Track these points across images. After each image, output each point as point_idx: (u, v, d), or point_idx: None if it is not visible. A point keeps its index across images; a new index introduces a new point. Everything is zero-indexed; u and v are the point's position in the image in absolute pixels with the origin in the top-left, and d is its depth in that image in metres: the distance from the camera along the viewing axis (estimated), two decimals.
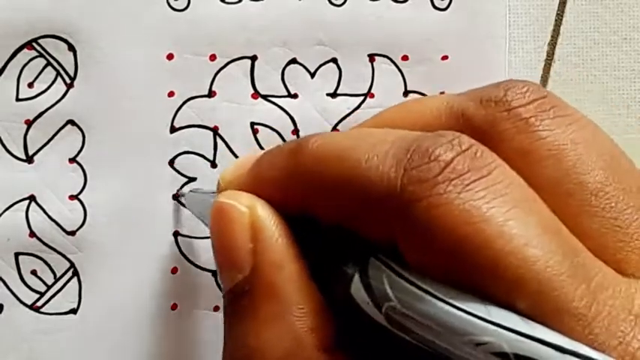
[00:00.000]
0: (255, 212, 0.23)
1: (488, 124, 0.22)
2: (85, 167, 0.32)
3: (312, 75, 0.33)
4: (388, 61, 0.33)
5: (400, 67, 0.33)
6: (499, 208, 0.19)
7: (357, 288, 0.20)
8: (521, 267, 0.18)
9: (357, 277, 0.20)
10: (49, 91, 0.32)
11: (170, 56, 0.32)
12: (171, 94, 0.32)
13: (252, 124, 0.33)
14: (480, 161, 0.20)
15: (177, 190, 0.32)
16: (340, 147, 0.21)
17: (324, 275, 0.22)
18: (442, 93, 0.32)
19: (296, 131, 0.33)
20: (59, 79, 0.32)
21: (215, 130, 0.33)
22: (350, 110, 0.33)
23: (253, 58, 0.32)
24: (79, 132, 0.32)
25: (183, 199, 0.32)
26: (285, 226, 0.23)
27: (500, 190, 0.19)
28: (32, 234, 0.32)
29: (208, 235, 0.32)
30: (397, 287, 0.19)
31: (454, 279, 0.19)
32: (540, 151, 0.21)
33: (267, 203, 0.23)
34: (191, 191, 0.31)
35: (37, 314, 0.32)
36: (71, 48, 0.32)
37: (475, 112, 0.22)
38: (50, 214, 0.32)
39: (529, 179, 0.20)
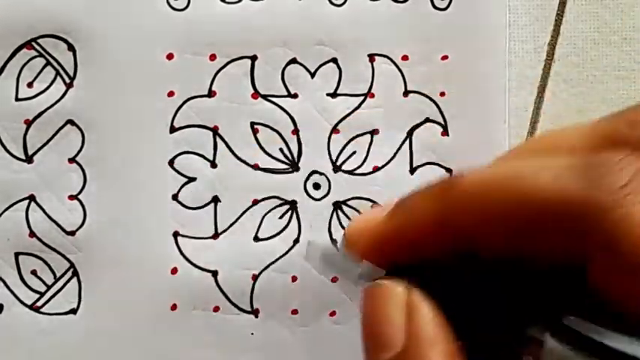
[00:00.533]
0: (411, 292, 0.22)
1: None
2: (84, 167, 0.32)
3: (312, 75, 0.33)
4: (388, 61, 0.33)
5: (400, 67, 0.33)
6: None
7: (552, 353, 0.19)
8: None
9: (550, 342, 0.19)
10: (48, 90, 0.32)
11: (170, 56, 0.32)
12: (171, 93, 0.32)
13: (252, 123, 0.33)
14: None
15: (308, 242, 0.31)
16: (502, 174, 0.21)
17: (486, 343, 0.21)
18: (442, 93, 0.32)
19: (296, 131, 0.33)
20: (59, 78, 0.32)
21: (215, 130, 0.32)
22: (350, 110, 0.33)
23: (253, 58, 0.32)
24: (79, 132, 0.32)
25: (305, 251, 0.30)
26: (438, 308, 0.22)
27: None
28: (32, 234, 0.32)
29: (208, 235, 0.32)
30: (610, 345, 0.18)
31: None
32: None
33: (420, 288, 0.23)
34: (311, 243, 0.30)
35: (37, 314, 0.32)
36: (71, 48, 0.32)
37: (629, 134, 0.22)
38: (50, 214, 0.32)
39: None
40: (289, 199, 0.33)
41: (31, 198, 0.32)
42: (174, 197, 0.32)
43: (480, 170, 0.22)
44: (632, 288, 0.18)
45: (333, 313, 0.33)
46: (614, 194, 0.19)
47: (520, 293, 0.21)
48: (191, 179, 0.33)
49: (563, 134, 0.23)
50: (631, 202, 0.18)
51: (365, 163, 0.33)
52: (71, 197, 0.32)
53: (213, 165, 0.33)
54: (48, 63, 0.32)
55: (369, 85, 0.33)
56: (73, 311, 0.32)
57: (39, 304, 0.32)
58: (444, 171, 0.33)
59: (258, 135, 0.33)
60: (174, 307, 0.32)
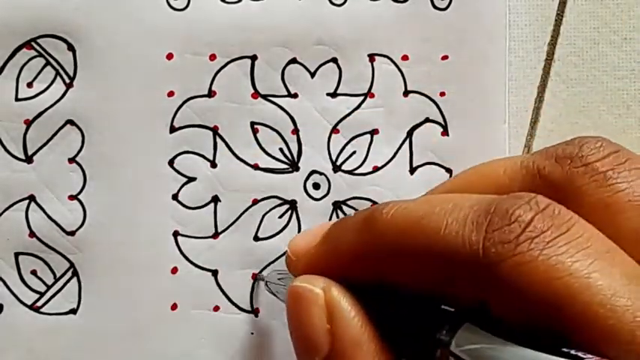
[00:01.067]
0: (329, 293, 0.23)
1: (566, 180, 0.23)
2: (84, 167, 0.32)
3: (312, 75, 0.33)
4: (388, 61, 0.33)
5: (400, 67, 0.33)
6: (582, 262, 0.19)
7: (455, 353, 0.21)
8: (611, 317, 0.19)
9: (453, 343, 0.21)
10: (48, 90, 0.32)
11: (170, 56, 0.32)
12: (171, 93, 0.32)
13: (252, 123, 0.33)
14: (558, 219, 0.20)
15: (257, 273, 0.32)
16: (416, 215, 0.22)
17: (406, 347, 0.22)
18: (442, 93, 0.32)
19: (296, 131, 0.33)
20: (58, 78, 0.32)
21: (215, 130, 0.32)
22: (350, 110, 0.33)
23: (253, 58, 0.32)
24: (79, 132, 0.32)
25: (263, 283, 0.32)
26: (360, 305, 0.23)
27: (582, 243, 0.20)
28: (32, 234, 0.32)
29: (208, 235, 0.32)
30: (498, 349, 0.20)
31: (544, 331, 0.19)
32: (621, 203, 0.22)
33: (341, 285, 0.23)
34: (272, 272, 0.31)
35: (36, 314, 0.32)
36: (70, 47, 0.32)
37: (552, 170, 0.23)
38: (50, 214, 0.32)
39: (611, 231, 0.21)
40: (289, 198, 0.33)
41: (31, 198, 0.32)
42: (174, 197, 0.32)
43: (404, 204, 0.23)
44: (523, 319, 0.20)
45: None
46: (505, 244, 0.20)
47: (433, 306, 0.22)
48: (191, 179, 0.33)
49: (495, 167, 0.25)
50: (520, 251, 0.20)
51: (365, 163, 0.33)
52: (71, 197, 0.32)
53: (213, 165, 0.33)
54: (48, 63, 0.32)
55: (369, 85, 0.33)
56: (73, 311, 0.32)
57: (39, 304, 0.32)
58: (444, 171, 0.33)
59: (258, 135, 0.33)
60: (174, 307, 0.32)
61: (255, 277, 0.32)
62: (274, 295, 0.30)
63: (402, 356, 0.23)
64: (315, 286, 0.24)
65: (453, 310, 0.22)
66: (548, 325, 0.19)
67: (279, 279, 0.30)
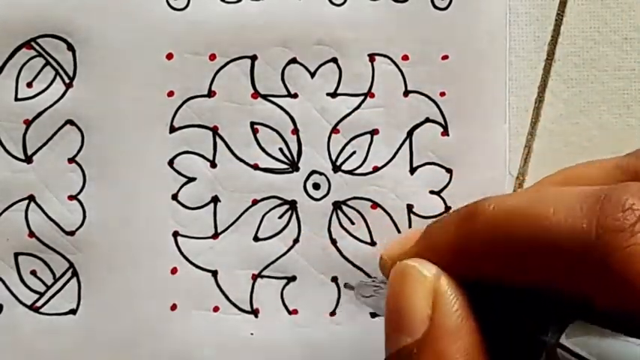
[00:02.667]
0: (438, 280, 0.23)
1: None
2: (84, 167, 0.32)
3: (312, 75, 0.33)
4: (388, 61, 0.32)
5: (400, 67, 0.33)
6: None
7: (563, 356, 0.20)
8: None
9: (564, 337, 0.20)
10: (48, 90, 0.32)
11: (170, 56, 0.32)
12: (170, 93, 0.32)
13: (252, 123, 0.33)
14: None
15: (346, 283, 0.32)
16: (520, 206, 0.21)
17: (507, 347, 0.22)
18: (442, 93, 0.32)
19: (296, 131, 0.33)
20: (58, 78, 0.32)
21: (215, 130, 0.32)
22: (350, 110, 0.33)
23: (253, 58, 0.32)
24: (78, 132, 0.32)
25: (354, 291, 0.31)
26: (465, 299, 0.23)
27: None
28: (31, 234, 0.32)
29: (208, 235, 0.32)
30: (614, 342, 0.19)
31: None
32: None
33: (451, 277, 0.23)
34: (361, 282, 0.31)
35: (36, 314, 0.32)
36: (70, 47, 0.32)
37: None
38: (49, 214, 0.32)
39: None
40: (289, 199, 0.33)
41: (31, 198, 0.32)
42: (174, 197, 0.32)
43: (505, 197, 0.22)
44: (632, 313, 0.19)
45: (333, 313, 0.33)
46: (619, 232, 0.19)
47: (535, 303, 0.21)
48: (191, 179, 0.33)
49: (587, 168, 0.24)
50: (635, 242, 0.19)
51: (365, 163, 0.33)
52: (71, 197, 0.32)
53: (213, 165, 0.33)
54: (47, 63, 0.32)
55: (369, 85, 0.33)
56: (73, 311, 0.32)
57: (38, 304, 0.32)
58: (444, 171, 0.32)
59: (258, 135, 0.33)
60: (174, 307, 0.32)
61: (345, 285, 0.32)
62: (365, 303, 0.30)
63: (502, 356, 0.22)
64: (426, 270, 0.23)
65: (556, 308, 0.21)
66: None
67: (372, 287, 0.29)
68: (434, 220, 0.25)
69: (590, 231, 0.19)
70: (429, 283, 0.23)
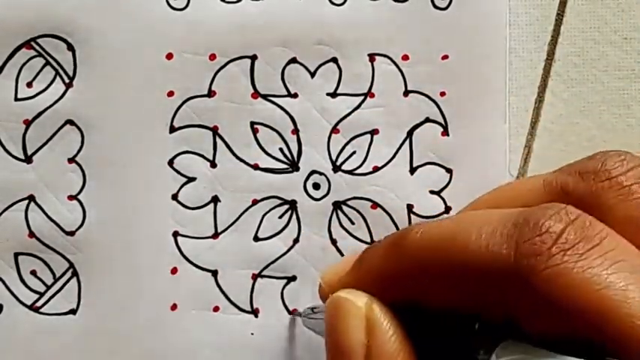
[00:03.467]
0: (371, 308, 0.23)
1: (590, 195, 0.22)
2: (84, 167, 0.32)
3: (312, 75, 0.33)
4: (388, 61, 0.32)
5: (400, 67, 0.33)
6: (618, 274, 0.19)
7: None
8: None
9: (494, 356, 0.21)
10: (47, 90, 0.32)
11: (169, 56, 0.32)
12: (170, 93, 0.32)
13: (252, 123, 0.33)
14: (590, 230, 0.20)
15: (293, 311, 0.32)
16: (445, 232, 0.22)
17: None
18: (442, 93, 0.32)
19: (296, 131, 0.33)
20: (58, 78, 0.32)
21: (215, 130, 0.32)
22: (350, 110, 0.33)
23: (253, 58, 0.32)
24: (78, 132, 0.32)
25: (302, 319, 0.32)
26: (399, 325, 0.23)
27: (615, 256, 0.20)
28: (31, 234, 0.32)
29: (208, 235, 0.32)
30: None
31: (579, 343, 0.19)
32: None
33: (382, 303, 0.23)
34: (306, 310, 0.31)
35: (36, 314, 0.32)
36: (70, 47, 0.32)
37: (576, 186, 0.23)
38: (49, 214, 0.32)
39: (638, 244, 0.21)
40: (289, 198, 0.33)
41: (31, 198, 0.32)
42: (174, 197, 0.32)
43: (432, 223, 0.23)
44: (555, 332, 0.20)
45: None
46: (537, 256, 0.20)
47: (468, 324, 0.22)
48: (191, 179, 0.33)
49: (518, 187, 0.25)
50: (553, 263, 0.19)
51: (365, 163, 0.33)
52: (71, 197, 0.32)
53: (213, 165, 0.33)
54: (47, 63, 0.32)
55: (369, 85, 0.33)
56: (73, 311, 0.32)
57: (38, 304, 0.32)
58: (444, 171, 0.32)
59: (258, 135, 0.33)
60: (174, 307, 0.32)
61: (292, 314, 0.32)
62: (311, 329, 0.30)
63: None
64: (358, 299, 0.24)
65: (488, 327, 0.22)
66: (584, 337, 0.19)
67: (314, 312, 0.30)
68: (369, 245, 0.25)
69: (509, 256, 0.20)
70: (361, 313, 0.23)
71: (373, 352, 0.23)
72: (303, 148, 0.33)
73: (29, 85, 0.32)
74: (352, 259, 0.26)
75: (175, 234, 0.32)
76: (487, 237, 0.21)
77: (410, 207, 0.32)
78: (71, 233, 0.32)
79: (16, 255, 0.32)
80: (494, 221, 0.21)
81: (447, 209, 0.32)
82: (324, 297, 0.27)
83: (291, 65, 0.32)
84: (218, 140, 0.32)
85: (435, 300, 0.22)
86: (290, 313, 0.32)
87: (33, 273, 0.32)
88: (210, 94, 0.32)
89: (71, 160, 0.32)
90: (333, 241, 0.33)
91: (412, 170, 0.33)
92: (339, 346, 0.24)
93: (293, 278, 0.33)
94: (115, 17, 0.32)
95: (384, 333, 0.23)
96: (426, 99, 0.32)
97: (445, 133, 0.33)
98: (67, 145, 0.32)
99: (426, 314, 0.23)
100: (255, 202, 0.33)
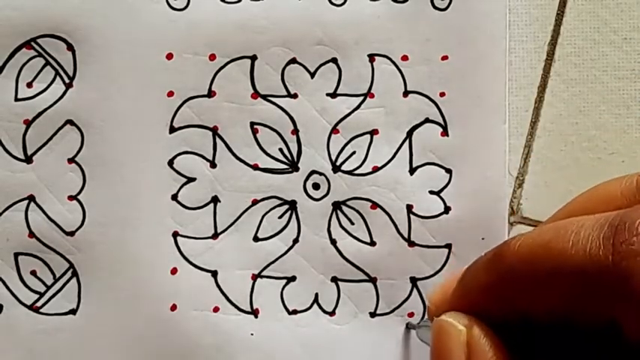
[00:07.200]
0: (471, 331, 0.24)
1: None
2: (84, 167, 0.32)
3: (312, 75, 0.33)
4: (388, 61, 0.32)
5: (400, 67, 0.33)
6: None
7: None
8: None
9: None
10: (47, 90, 0.32)
11: (169, 56, 0.32)
12: (170, 93, 0.32)
13: (252, 123, 0.33)
14: None
15: (407, 323, 0.33)
16: (542, 241, 0.22)
17: None
18: (442, 93, 0.32)
19: (296, 131, 0.33)
20: (58, 78, 0.32)
21: (215, 130, 0.32)
22: (350, 110, 0.33)
23: (253, 58, 0.32)
24: (78, 132, 0.32)
25: (416, 332, 0.32)
26: (499, 345, 0.23)
27: None
28: (31, 234, 0.32)
29: (208, 235, 0.32)
30: None
31: None
32: None
33: (483, 324, 0.24)
34: (420, 324, 0.32)
35: (36, 315, 0.32)
36: (70, 47, 0.32)
37: None
38: (49, 214, 0.32)
39: None
40: (289, 199, 0.33)
41: (31, 198, 0.32)
42: (174, 197, 0.32)
43: (529, 234, 0.23)
44: None
45: (332, 314, 0.33)
46: (636, 257, 0.20)
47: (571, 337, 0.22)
48: (191, 179, 0.33)
49: (611, 189, 0.25)
50: None
51: (364, 163, 0.33)
52: (70, 197, 0.32)
53: (213, 165, 0.33)
54: (47, 63, 0.32)
55: (369, 85, 0.33)
56: (73, 311, 0.32)
57: (38, 304, 0.32)
58: (443, 171, 0.32)
59: (257, 135, 0.33)
60: (174, 307, 0.32)
61: (407, 325, 0.32)
62: (426, 342, 0.31)
63: None
64: (459, 323, 0.24)
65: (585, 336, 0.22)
66: None
67: (427, 326, 0.30)
68: (471, 263, 0.26)
69: (607, 258, 0.20)
70: (462, 336, 0.24)
71: None
72: (303, 148, 0.33)
73: (29, 85, 0.32)
74: (455, 278, 0.26)
75: (175, 234, 0.32)
76: (584, 241, 0.21)
77: (409, 207, 0.32)
78: (71, 233, 0.32)
79: (16, 255, 0.32)
80: (589, 225, 0.21)
81: (447, 209, 0.32)
82: (431, 317, 0.27)
83: (291, 65, 0.32)
84: (218, 140, 0.32)
85: (536, 310, 0.22)
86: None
87: (33, 273, 0.32)
88: (210, 94, 0.32)
89: (71, 160, 0.32)
90: (333, 241, 0.33)
91: (412, 170, 0.33)
92: None
93: (293, 278, 0.33)
94: (115, 17, 0.32)
95: (482, 355, 0.23)
96: (426, 99, 0.32)
97: (445, 133, 0.33)
98: (67, 145, 0.32)
99: (530, 331, 0.23)
100: (255, 202, 0.33)
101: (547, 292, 0.22)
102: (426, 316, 0.32)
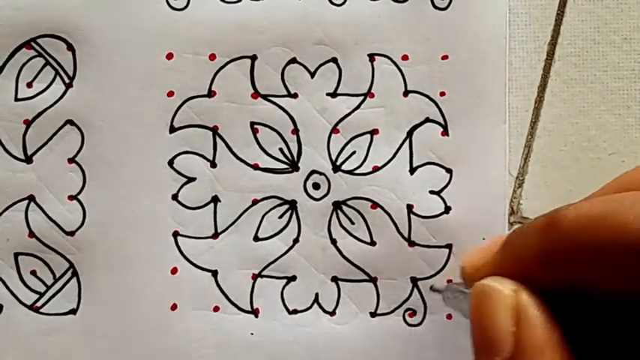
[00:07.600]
0: (519, 296, 0.23)
1: None
2: (84, 167, 0.32)
3: (312, 75, 0.33)
4: (388, 61, 0.32)
5: (400, 67, 0.33)
6: None
7: None
8: None
9: None
10: (48, 90, 0.32)
11: (169, 56, 0.32)
12: (170, 93, 0.32)
13: (252, 123, 0.33)
14: None
15: (431, 286, 0.32)
16: (599, 211, 0.22)
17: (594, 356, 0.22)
18: (442, 93, 0.32)
19: (296, 131, 0.33)
20: (58, 78, 0.32)
21: (215, 130, 0.32)
22: (350, 110, 0.33)
23: (253, 58, 0.32)
24: (78, 132, 0.32)
25: (440, 296, 0.31)
26: (547, 312, 0.23)
27: None
28: (31, 234, 0.32)
29: (208, 235, 0.32)
30: None
31: None
32: None
33: (530, 289, 0.23)
34: (448, 286, 0.31)
35: (36, 314, 0.32)
36: (70, 47, 0.32)
37: None
38: (49, 214, 0.32)
39: None
40: (289, 198, 0.33)
41: (31, 198, 0.32)
42: (174, 197, 0.32)
43: (583, 205, 0.23)
44: None
45: (333, 314, 0.33)
46: None
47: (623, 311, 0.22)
48: (191, 179, 0.33)
49: None
50: None
51: (365, 163, 0.33)
52: (71, 197, 0.32)
53: (213, 165, 0.33)
54: (47, 63, 0.32)
55: (369, 85, 0.33)
56: (73, 311, 0.32)
57: (38, 304, 0.32)
58: (444, 171, 0.32)
59: (258, 135, 0.33)
60: (174, 307, 0.32)
61: (430, 288, 0.32)
62: (452, 308, 0.30)
63: None
64: (505, 287, 0.23)
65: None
66: None
67: (456, 291, 0.29)
68: (515, 228, 0.25)
69: None
70: (509, 301, 0.23)
71: (522, 340, 0.22)
72: (303, 148, 0.33)
73: (29, 85, 0.32)
74: (494, 244, 0.25)
75: (175, 234, 0.32)
76: None
77: (410, 207, 0.32)
78: (71, 233, 0.32)
79: (16, 255, 0.32)
80: None
81: (447, 209, 0.32)
82: (468, 280, 0.26)
83: (291, 65, 0.32)
84: (218, 140, 0.32)
85: (592, 281, 0.22)
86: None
87: (33, 273, 0.32)
88: (210, 94, 0.32)
89: (71, 160, 0.32)
90: (333, 241, 0.33)
91: (412, 170, 0.33)
92: (487, 334, 0.23)
93: (293, 278, 0.33)
94: (115, 17, 0.32)
95: (532, 321, 0.23)
96: (426, 99, 0.32)
97: (445, 133, 0.33)
98: (67, 145, 0.32)
99: (575, 301, 0.23)
100: (255, 202, 0.33)
101: (605, 263, 0.21)
102: (455, 280, 0.31)
